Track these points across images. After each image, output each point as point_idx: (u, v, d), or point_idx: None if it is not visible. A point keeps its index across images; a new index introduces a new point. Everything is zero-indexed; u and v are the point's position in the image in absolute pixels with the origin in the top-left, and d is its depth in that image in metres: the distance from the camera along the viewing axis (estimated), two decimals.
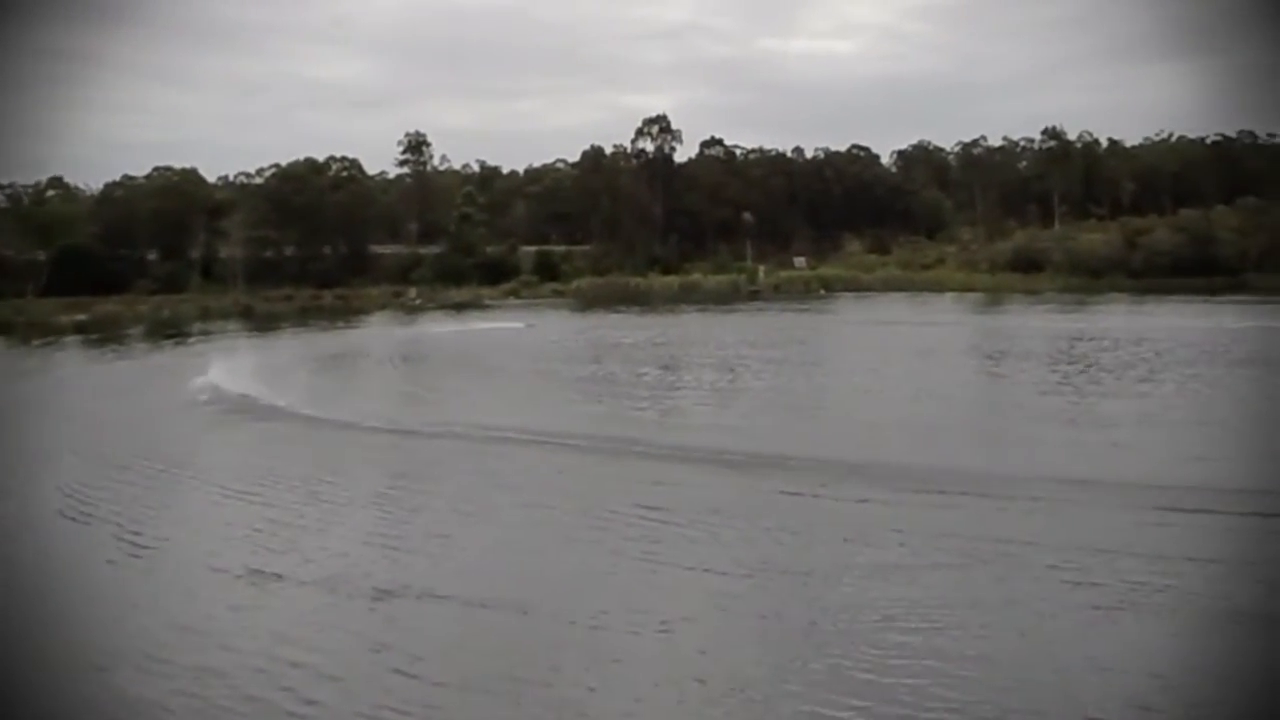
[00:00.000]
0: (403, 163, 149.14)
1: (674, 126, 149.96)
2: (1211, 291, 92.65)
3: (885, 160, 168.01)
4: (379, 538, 21.67)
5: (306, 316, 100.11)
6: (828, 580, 18.17)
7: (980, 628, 15.88)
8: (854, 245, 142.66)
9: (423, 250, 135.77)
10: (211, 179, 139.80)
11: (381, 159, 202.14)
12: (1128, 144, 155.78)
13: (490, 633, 16.52)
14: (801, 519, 22.15)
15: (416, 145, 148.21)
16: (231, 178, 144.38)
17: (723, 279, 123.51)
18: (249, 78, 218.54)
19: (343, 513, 24.06)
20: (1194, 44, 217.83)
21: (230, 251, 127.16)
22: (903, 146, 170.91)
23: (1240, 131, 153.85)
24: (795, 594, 17.64)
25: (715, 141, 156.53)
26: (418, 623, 16.92)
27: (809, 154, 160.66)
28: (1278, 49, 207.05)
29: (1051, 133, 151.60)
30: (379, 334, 80.00)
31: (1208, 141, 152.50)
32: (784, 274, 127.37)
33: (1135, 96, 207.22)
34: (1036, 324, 71.07)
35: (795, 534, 21.03)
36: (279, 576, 19.25)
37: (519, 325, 79.20)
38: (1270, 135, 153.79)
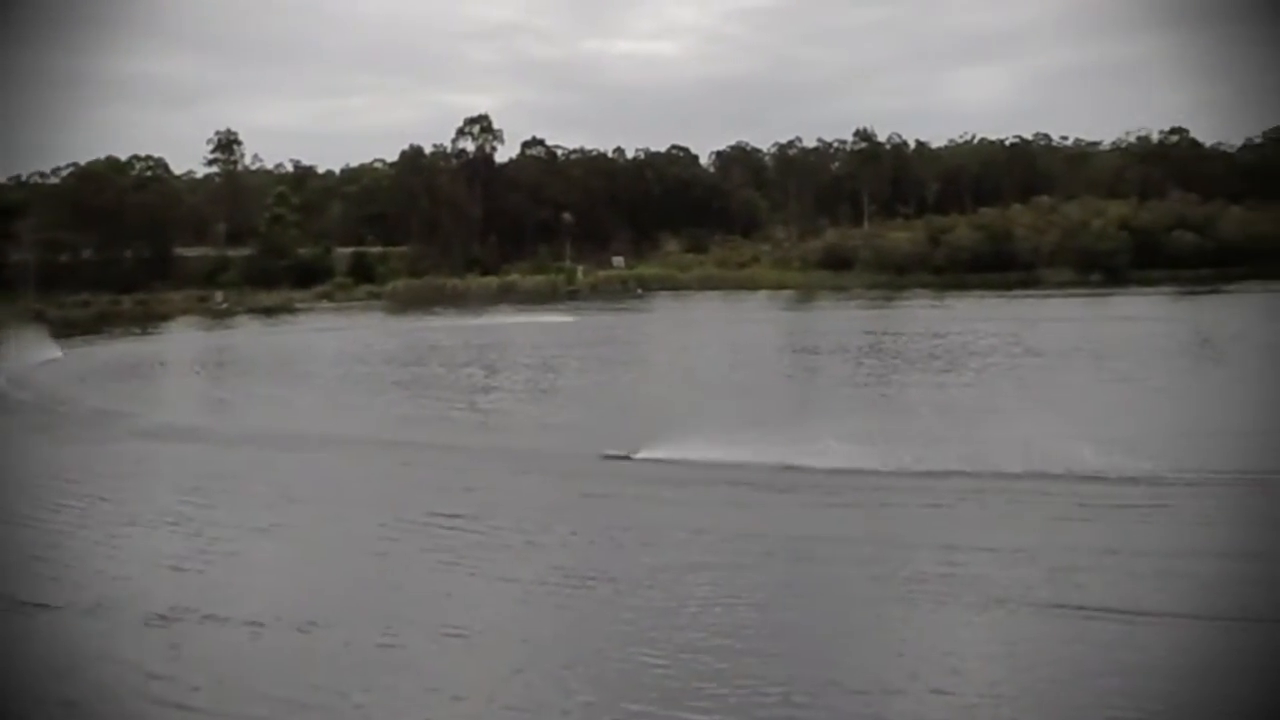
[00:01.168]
0: (212, 162, 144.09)
1: (496, 126, 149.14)
2: (1007, 286, 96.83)
3: (704, 161, 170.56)
4: (163, 557, 20.51)
5: (104, 323, 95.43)
6: (631, 585, 17.96)
7: (779, 626, 15.91)
8: (672, 245, 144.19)
9: (231, 253, 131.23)
10: (1, 179, 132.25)
11: (190, 158, 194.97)
12: (934, 145, 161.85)
13: (275, 654, 15.75)
14: (607, 520, 21.95)
15: (227, 144, 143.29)
16: (24, 177, 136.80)
17: (541, 279, 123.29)
18: (46, 70, 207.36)
19: (124, 532, 22.72)
20: (997, 50, 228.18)
21: (21, 256, 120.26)
22: (721, 147, 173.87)
23: (1036, 134, 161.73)
24: (597, 600, 17.38)
25: (537, 142, 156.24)
26: (197, 649, 16.01)
27: (630, 154, 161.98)
28: (1075, 53, 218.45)
29: (863, 134, 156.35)
30: (181, 340, 76.82)
31: (1007, 143, 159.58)
32: (602, 274, 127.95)
33: (941, 100, 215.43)
34: (845, 320, 72.97)
35: (600, 537, 20.81)
36: (46, 607, 17.99)
37: (330, 328, 77.18)
38: (1063, 137, 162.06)
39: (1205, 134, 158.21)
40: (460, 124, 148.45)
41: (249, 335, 78.90)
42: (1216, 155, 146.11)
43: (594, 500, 24.03)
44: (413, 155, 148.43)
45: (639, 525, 21.59)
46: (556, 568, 18.94)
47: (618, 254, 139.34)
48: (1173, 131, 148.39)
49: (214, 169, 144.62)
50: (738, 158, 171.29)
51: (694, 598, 17.07)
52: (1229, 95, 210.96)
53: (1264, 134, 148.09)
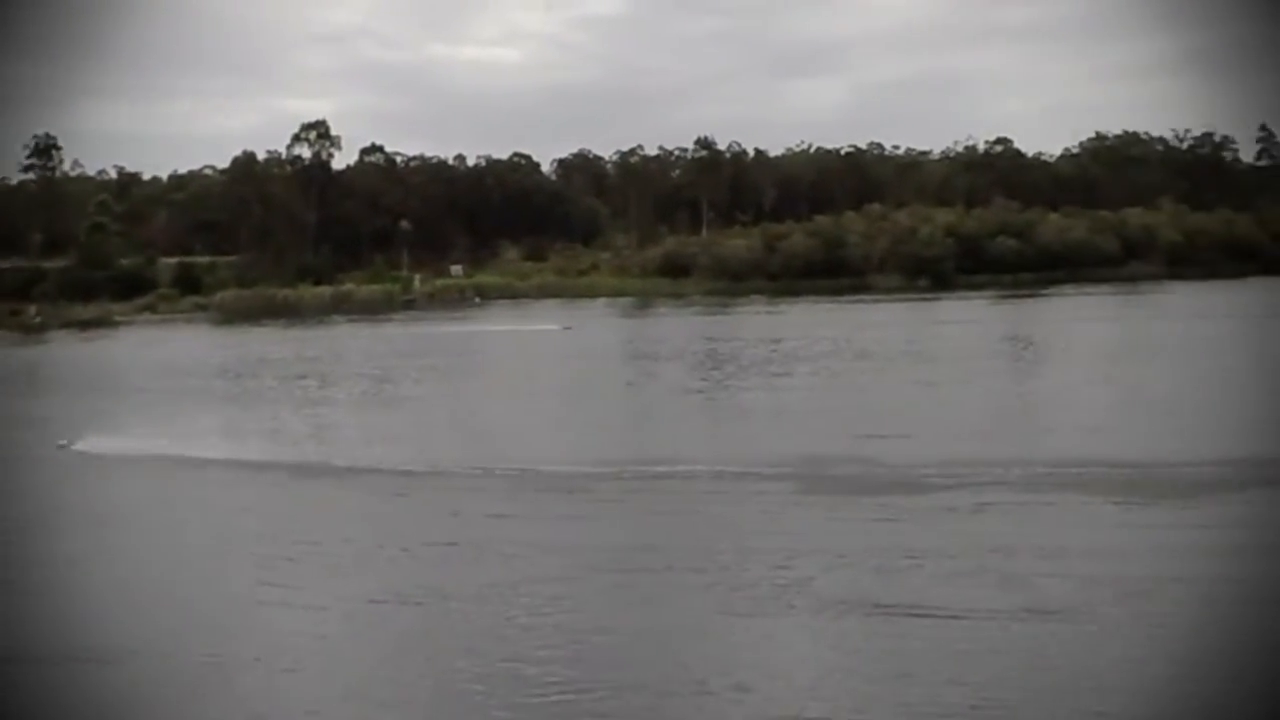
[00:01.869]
0: (27, 168, 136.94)
1: (334, 132, 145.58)
2: (839, 292, 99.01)
3: (546, 168, 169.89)
4: None
5: None
6: (448, 605, 17.46)
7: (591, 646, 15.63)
8: (511, 253, 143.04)
9: (47, 264, 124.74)
10: None
11: (3, 164, 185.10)
12: (772, 154, 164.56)
13: (91, 690, 14.72)
14: (438, 535, 21.38)
15: (44, 149, 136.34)
16: None
17: (376, 289, 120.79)
18: None
19: None
20: (835, 61, 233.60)
21: None
22: (564, 155, 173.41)
23: (870, 143, 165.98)
24: (422, 621, 16.86)
25: (376, 148, 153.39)
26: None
27: (471, 162, 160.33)
28: (908, 66, 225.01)
29: (703, 143, 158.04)
30: None
31: (842, 152, 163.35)
32: (440, 282, 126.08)
33: (780, 109, 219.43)
34: (680, 326, 73.42)
35: (425, 553, 20.23)
36: None
37: (150, 342, 73.97)
38: (895, 147, 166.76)
39: (1028, 144, 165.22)
40: (296, 130, 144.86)
41: (61, 350, 75.08)
42: (1037, 164, 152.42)
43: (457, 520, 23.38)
44: (245, 161, 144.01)
45: (468, 540, 21.09)
46: (390, 587, 18.31)
47: (456, 262, 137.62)
48: (998, 141, 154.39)
49: (30, 175, 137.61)
50: (579, 165, 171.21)
51: (524, 611, 16.71)
52: (1049, 107, 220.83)
53: (1080, 144, 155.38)
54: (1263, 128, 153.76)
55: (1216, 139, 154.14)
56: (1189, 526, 21.06)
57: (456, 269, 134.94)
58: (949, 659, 14.58)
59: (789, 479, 25.56)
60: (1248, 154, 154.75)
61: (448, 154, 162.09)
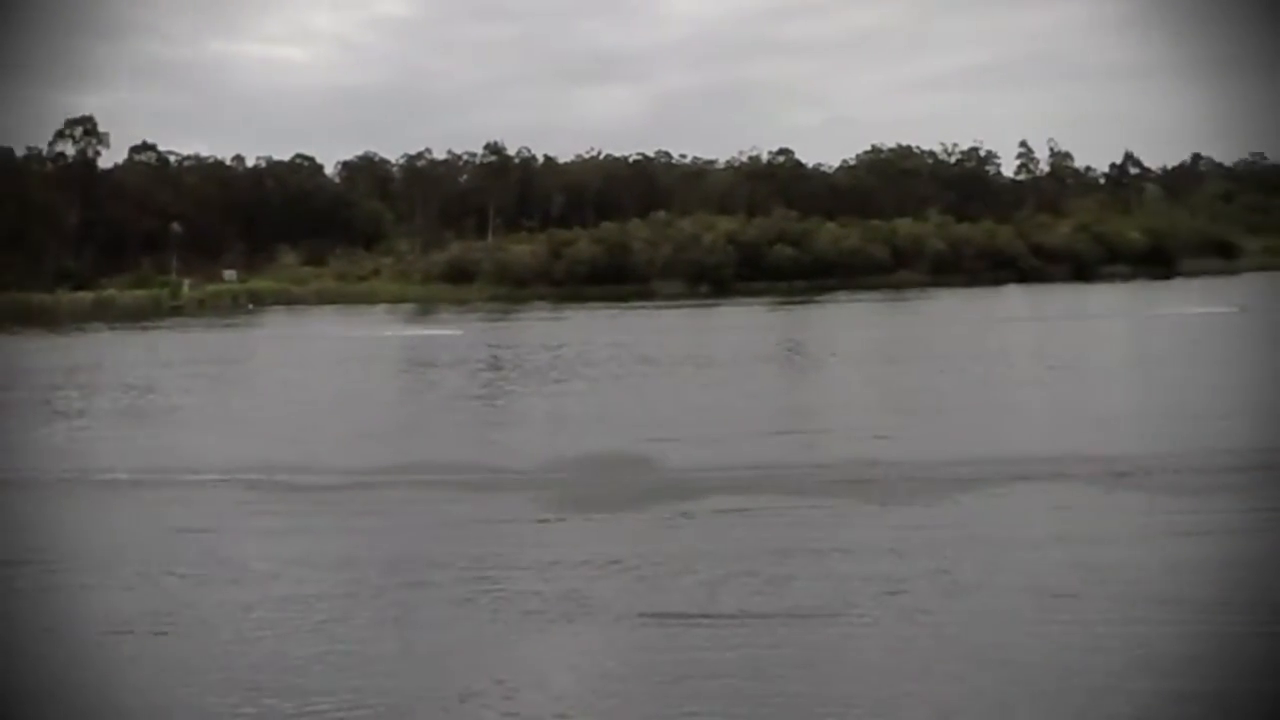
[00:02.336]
0: None
1: (101, 129, 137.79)
2: (623, 298, 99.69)
3: (330, 171, 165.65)
4: None
5: None
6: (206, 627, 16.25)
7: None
8: (289, 257, 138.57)
9: None
10: None
11: None
12: (561, 160, 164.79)
13: None
14: (186, 552, 19.99)
15: None
16: None
17: (142, 294, 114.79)
18: None
19: None
20: (626, 70, 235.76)
21: None
22: (349, 157, 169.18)
23: (658, 151, 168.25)
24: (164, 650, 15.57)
25: (148, 146, 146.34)
26: None
27: (251, 163, 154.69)
28: (697, 77, 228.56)
29: (492, 148, 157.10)
30: None
31: (630, 160, 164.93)
32: (211, 288, 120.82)
33: (571, 116, 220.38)
34: (463, 333, 72.33)
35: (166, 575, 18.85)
36: None
37: None
38: (682, 155, 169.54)
39: (809, 155, 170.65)
40: (60, 125, 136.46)
41: None
42: (816, 175, 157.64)
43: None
44: (1, 158, 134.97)
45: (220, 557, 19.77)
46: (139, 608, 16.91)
47: (230, 267, 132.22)
48: (780, 152, 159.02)
49: None
50: (365, 168, 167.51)
51: (277, 630, 15.67)
52: (830, 120, 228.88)
53: (857, 156, 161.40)
54: (1023, 144, 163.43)
55: (982, 154, 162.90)
56: (949, 525, 21.65)
57: (230, 274, 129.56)
58: (721, 663, 14.46)
59: (561, 485, 25.23)
60: (1009, 169, 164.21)
61: (226, 154, 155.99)
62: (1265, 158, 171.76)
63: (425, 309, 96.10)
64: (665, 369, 50.43)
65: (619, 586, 17.93)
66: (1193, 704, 13.14)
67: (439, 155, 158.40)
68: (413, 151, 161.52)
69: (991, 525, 21.49)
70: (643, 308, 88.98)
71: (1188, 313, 70.48)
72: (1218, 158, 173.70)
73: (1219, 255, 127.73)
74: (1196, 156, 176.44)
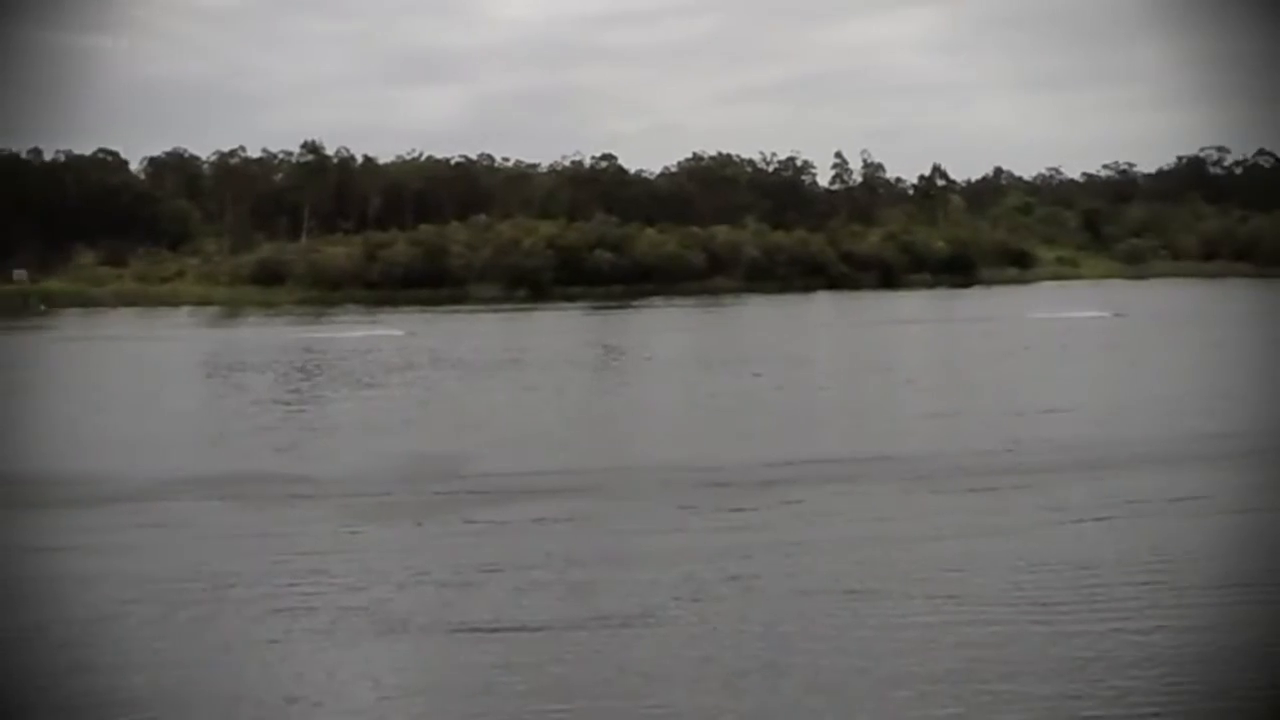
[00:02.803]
0: None
1: None
2: (438, 302, 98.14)
3: (135, 167, 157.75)
4: None
5: None
6: None
7: None
8: (87, 257, 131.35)
9: None
10: None
11: None
12: (381, 161, 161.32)
13: None
14: None
15: None
16: None
17: None
18: None
19: None
20: (453, 71, 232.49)
21: None
22: (156, 153, 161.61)
23: (481, 154, 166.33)
24: None
25: None
26: None
27: (49, 156, 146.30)
28: (521, 80, 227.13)
29: (310, 147, 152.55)
30: None
31: (452, 162, 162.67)
32: None
33: (395, 117, 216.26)
34: (271, 337, 70.00)
35: None
36: None
37: None
38: (505, 159, 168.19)
39: (632, 162, 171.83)
40: None
41: None
42: (638, 181, 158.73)
43: None
44: None
45: None
46: None
47: (22, 266, 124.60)
48: (604, 158, 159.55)
49: None
50: (173, 165, 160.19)
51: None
52: (653, 128, 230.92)
53: (679, 164, 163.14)
54: (838, 155, 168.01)
55: (799, 163, 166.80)
56: (752, 528, 21.81)
57: (20, 274, 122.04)
58: (527, 672, 14.37)
59: (369, 494, 24.57)
60: (825, 178, 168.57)
61: (20, 146, 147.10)
62: (1061, 173, 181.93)
63: (231, 312, 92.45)
64: (479, 373, 49.80)
65: (426, 598, 17.62)
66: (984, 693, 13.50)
67: (253, 153, 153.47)
68: (225, 148, 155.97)
69: (793, 527, 21.79)
70: (459, 311, 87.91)
71: (1070, 317, 72.75)
72: (1018, 171, 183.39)
73: (1015, 265, 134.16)
74: (999, 170, 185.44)
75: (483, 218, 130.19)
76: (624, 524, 22.23)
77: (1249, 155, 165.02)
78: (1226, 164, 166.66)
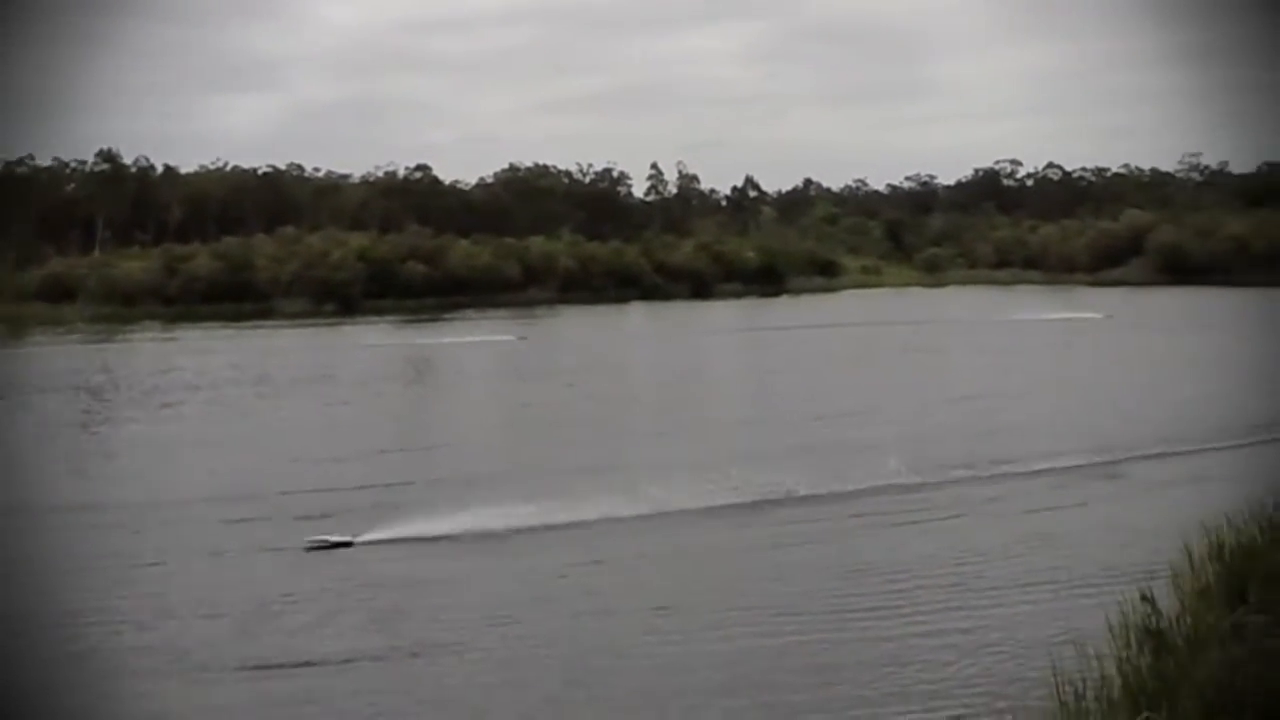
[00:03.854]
0: None
1: None
2: (242, 317, 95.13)
3: None
4: None
5: None
6: None
7: None
8: None
9: None
10: None
11: None
12: (183, 171, 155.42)
13: None
14: None
15: None
16: None
17: None
18: None
19: None
20: (263, 79, 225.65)
21: None
22: None
23: (290, 164, 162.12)
24: None
25: None
26: None
27: None
28: (334, 89, 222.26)
29: (105, 155, 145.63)
30: None
31: (259, 172, 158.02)
32: None
33: (200, 126, 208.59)
34: (60, 356, 66.65)
35: None
36: None
37: None
38: (316, 169, 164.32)
39: (447, 173, 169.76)
40: None
41: None
42: (453, 192, 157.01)
43: None
44: None
45: None
46: None
47: None
48: (418, 168, 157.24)
49: None
50: None
51: None
52: (469, 138, 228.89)
53: (495, 174, 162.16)
54: (653, 166, 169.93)
55: (615, 174, 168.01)
56: (559, 545, 21.76)
57: None
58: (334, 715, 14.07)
59: (163, 522, 23.62)
60: (640, 189, 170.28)
61: None
62: (867, 184, 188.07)
63: (13, 330, 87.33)
64: (282, 390, 48.50)
65: (220, 634, 16.97)
66: None
67: (43, 162, 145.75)
68: (11, 157, 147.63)
69: (605, 546, 21.76)
70: (263, 327, 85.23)
71: (1050, 318, 74.39)
72: (827, 183, 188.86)
73: (823, 274, 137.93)
74: (808, 181, 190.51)
75: (290, 230, 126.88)
76: (427, 548, 21.79)
77: (1039, 168, 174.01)
78: (1019, 176, 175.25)
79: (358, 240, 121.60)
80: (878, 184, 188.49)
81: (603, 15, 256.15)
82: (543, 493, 24.37)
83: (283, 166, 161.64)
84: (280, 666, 15.81)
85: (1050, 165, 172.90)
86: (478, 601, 18.30)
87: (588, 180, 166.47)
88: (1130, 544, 19.74)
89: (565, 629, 17.13)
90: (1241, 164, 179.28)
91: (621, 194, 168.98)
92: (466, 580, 19.71)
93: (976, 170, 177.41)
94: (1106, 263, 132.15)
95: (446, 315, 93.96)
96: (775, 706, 14.00)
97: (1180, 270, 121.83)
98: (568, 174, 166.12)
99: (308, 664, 15.84)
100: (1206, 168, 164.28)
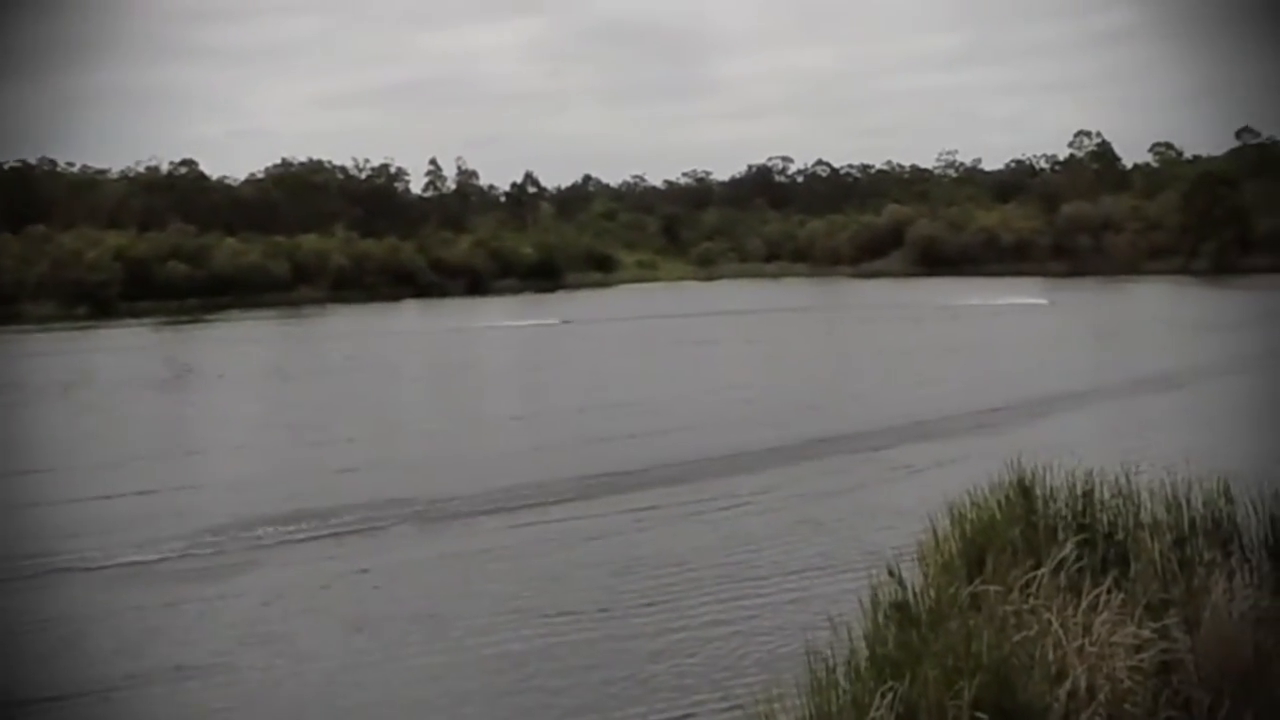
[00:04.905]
0: None
1: None
2: None
3: None
4: None
5: None
6: None
7: None
8: None
9: None
10: None
11: None
12: None
13: None
14: None
15: None
16: None
17: None
18: None
19: None
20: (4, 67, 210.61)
21: None
22: None
23: (41, 158, 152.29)
24: None
25: None
26: None
27: None
28: (88, 77, 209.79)
29: None
30: None
31: (5, 167, 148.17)
32: None
33: None
34: None
35: None
36: None
37: None
38: (70, 164, 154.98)
39: (215, 168, 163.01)
40: None
41: None
42: (220, 188, 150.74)
43: None
44: None
45: None
46: None
47: None
48: (183, 163, 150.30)
49: None
50: None
51: None
52: (236, 132, 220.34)
53: (266, 170, 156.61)
54: (432, 161, 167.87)
55: (392, 170, 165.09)
56: (317, 559, 21.13)
57: None
58: None
59: None
60: (419, 185, 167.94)
61: None
62: (645, 180, 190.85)
63: None
64: (30, 397, 45.73)
65: None
66: None
67: None
68: None
69: (370, 552, 21.22)
70: (6, 332, 79.89)
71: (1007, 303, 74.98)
72: (606, 179, 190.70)
73: (600, 269, 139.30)
74: (588, 177, 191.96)
75: (40, 228, 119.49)
76: (178, 567, 20.78)
77: (809, 165, 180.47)
78: (790, 173, 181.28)
79: (115, 239, 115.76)
80: (656, 180, 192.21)
81: (385, 9, 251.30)
82: (301, 497, 23.68)
83: (33, 161, 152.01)
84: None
85: (819, 162, 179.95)
86: (237, 619, 17.61)
87: (364, 176, 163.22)
88: (892, 526, 20.58)
89: (331, 642, 16.67)
90: (993, 161, 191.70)
91: (399, 190, 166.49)
92: (221, 597, 18.91)
93: (750, 167, 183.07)
94: (869, 255, 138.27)
95: (209, 317, 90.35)
96: (548, 709, 14.01)
97: (936, 261, 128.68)
98: (343, 170, 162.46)
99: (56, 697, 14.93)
100: (962, 165, 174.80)
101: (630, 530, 22.53)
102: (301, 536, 22.18)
